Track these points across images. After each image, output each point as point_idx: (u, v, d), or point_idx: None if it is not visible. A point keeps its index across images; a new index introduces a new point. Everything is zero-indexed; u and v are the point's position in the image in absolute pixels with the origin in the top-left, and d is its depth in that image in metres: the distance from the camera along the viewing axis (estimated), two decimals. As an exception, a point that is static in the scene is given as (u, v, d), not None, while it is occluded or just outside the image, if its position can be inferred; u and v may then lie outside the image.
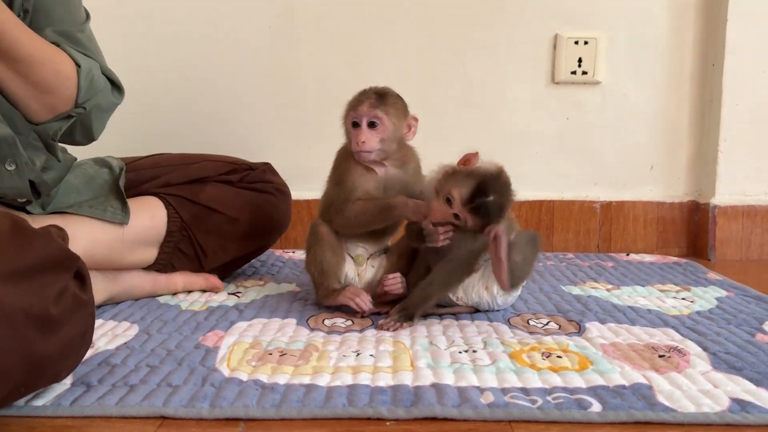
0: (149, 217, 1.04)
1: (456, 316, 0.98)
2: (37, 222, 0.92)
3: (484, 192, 0.88)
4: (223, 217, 1.11)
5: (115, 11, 1.45)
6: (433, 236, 0.92)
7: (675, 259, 1.45)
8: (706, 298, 1.11)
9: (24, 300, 0.59)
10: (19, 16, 0.89)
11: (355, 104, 0.97)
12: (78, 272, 0.67)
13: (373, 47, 1.53)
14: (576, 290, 1.15)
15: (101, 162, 1.09)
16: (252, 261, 1.34)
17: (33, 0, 0.91)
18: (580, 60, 1.50)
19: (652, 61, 1.52)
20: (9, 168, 0.89)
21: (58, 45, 0.91)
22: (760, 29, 1.44)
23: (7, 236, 0.60)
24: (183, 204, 1.07)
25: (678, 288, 1.18)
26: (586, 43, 1.50)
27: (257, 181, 1.17)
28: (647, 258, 1.46)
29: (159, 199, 1.06)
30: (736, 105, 1.46)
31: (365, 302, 0.97)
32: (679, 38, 1.51)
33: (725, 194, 1.49)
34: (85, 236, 0.95)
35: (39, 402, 0.67)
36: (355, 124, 0.97)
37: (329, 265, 0.99)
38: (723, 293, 1.14)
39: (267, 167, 1.20)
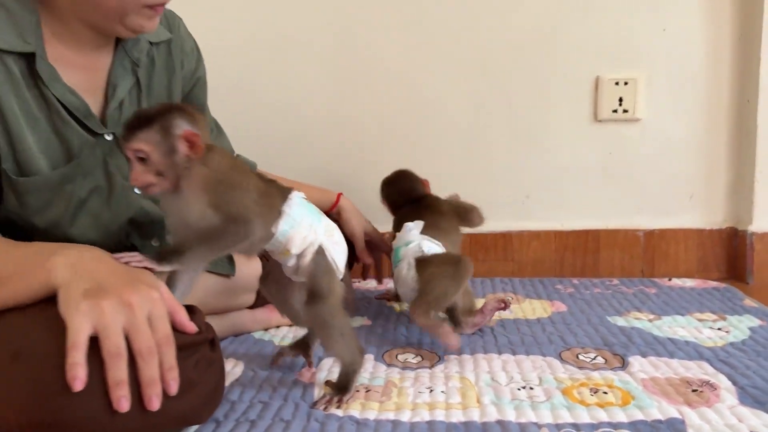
0: (248, 268, 1.20)
1: (512, 351, 1.12)
2: (162, 278, 1.09)
3: None
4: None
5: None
6: None
7: (714, 284, 1.55)
8: (740, 328, 1.22)
9: None
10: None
11: None
12: (210, 339, 0.83)
13: (429, 87, 1.66)
14: (621, 321, 1.27)
15: None
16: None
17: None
18: (620, 99, 1.62)
19: (689, 98, 1.62)
20: (154, 244, 1.07)
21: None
22: (793, 68, 1.54)
23: None
24: None
25: (715, 317, 1.29)
26: (626, 83, 1.61)
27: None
28: (688, 283, 1.57)
29: None
30: (771, 137, 1.56)
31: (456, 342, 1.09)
32: (716, 76, 1.61)
33: (762, 221, 1.59)
34: (200, 287, 1.10)
35: None
36: None
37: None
38: (757, 322, 1.24)
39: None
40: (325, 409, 0.89)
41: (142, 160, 0.80)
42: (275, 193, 0.90)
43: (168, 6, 0.99)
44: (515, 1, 1.62)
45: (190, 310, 0.85)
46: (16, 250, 0.84)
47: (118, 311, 0.72)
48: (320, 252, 0.91)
